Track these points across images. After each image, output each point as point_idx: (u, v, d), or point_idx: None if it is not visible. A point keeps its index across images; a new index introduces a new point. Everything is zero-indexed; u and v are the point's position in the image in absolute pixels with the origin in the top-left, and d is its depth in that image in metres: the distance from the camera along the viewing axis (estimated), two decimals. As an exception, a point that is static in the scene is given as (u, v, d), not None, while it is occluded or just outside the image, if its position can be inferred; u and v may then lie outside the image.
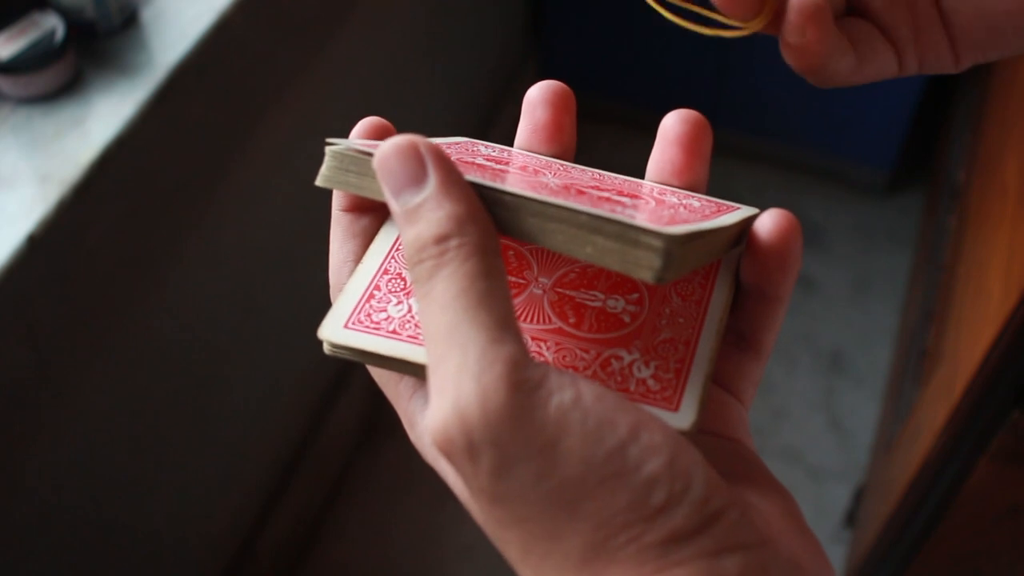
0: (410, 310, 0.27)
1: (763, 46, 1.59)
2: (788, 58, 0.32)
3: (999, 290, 0.87)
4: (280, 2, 0.98)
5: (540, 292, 0.28)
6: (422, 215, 0.24)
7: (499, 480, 0.22)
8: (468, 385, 0.22)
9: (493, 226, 0.24)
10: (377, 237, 0.29)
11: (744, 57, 1.64)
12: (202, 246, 0.96)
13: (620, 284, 0.29)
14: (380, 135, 0.30)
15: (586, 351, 0.27)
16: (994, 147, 1.16)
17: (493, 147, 0.33)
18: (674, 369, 0.26)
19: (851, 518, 1.35)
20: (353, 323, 0.27)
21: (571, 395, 0.22)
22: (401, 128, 0.28)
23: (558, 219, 0.24)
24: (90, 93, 0.80)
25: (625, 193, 0.30)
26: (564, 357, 0.27)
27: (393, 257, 0.29)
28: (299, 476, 1.28)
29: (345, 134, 0.30)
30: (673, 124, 0.31)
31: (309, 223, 1.15)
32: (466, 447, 0.22)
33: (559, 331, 0.27)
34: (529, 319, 0.28)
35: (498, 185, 0.25)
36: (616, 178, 0.33)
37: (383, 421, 1.46)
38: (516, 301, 0.28)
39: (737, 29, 0.32)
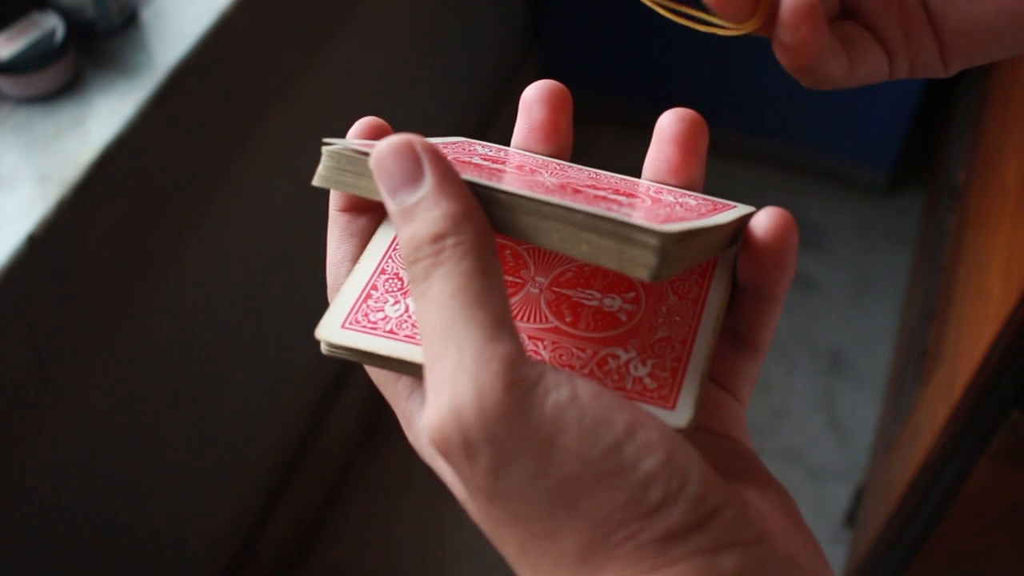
0: (407, 310, 0.27)
1: (763, 46, 1.59)
2: (781, 58, 0.32)
3: (999, 290, 0.87)
4: (280, 2, 0.98)
5: (537, 291, 0.28)
6: (418, 214, 0.24)
7: (496, 478, 0.22)
8: (465, 384, 0.22)
9: (489, 225, 0.24)
10: (374, 237, 0.30)
11: (744, 57, 1.64)
12: (202, 246, 0.96)
13: (617, 283, 0.29)
14: (377, 135, 0.30)
15: (583, 350, 0.27)
16: (994, 147, 1.16)
17: (490, 147, 0.34)
18: (671, 367, 0.26)
19: (851, 518, 1.35)
20: (350, 323, 0.27)
21: (567, 393, 0.22)
22: (401, 128, 0.28)
23: (554, 217, 0.24)
24: (90, 93, 0.80)
25: (621, 192, 0.30)
26: (561, 356, 0.27)
27: (390, 257, 0.29)
28: (299, 476, 1.28)
29: (344, 134, 0.31)
30: (669, 123, 0.31)
31: (309, 223, 1.15)
32: (463, 446, 0.22)
33: (556, 330, 0.27)
34: (526, 318, 0.28)
35: (494, 184, 0.25)
36: (612, 177, 0.33)
37: (383, 421, 1.46)
38: (513, 300, 0.28)
39: (731, 29, 0.32)
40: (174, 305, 0.94)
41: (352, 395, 1.38)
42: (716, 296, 0.28)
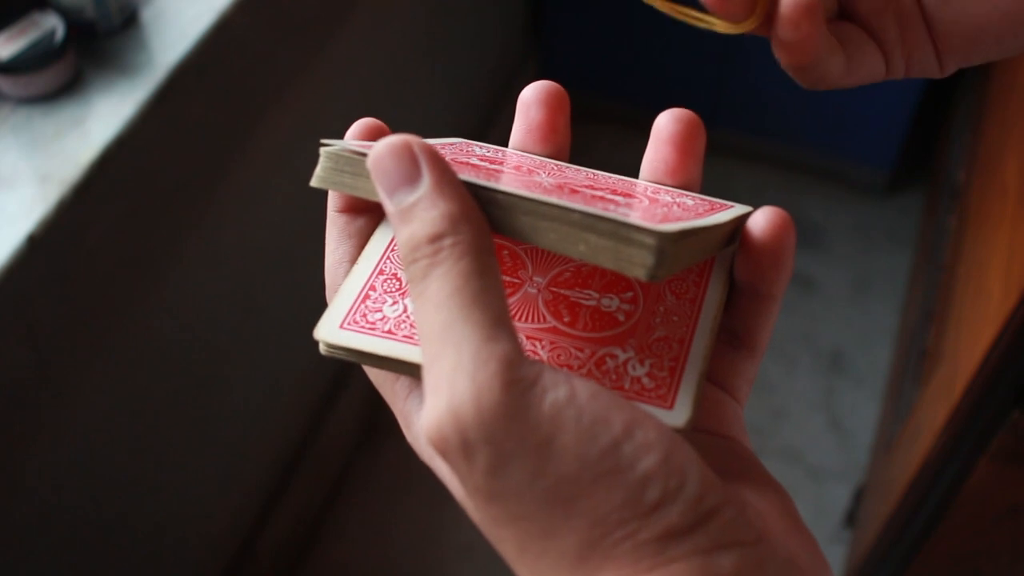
0: (405, 310, 0.27)
1: (762, 47, 1.59)
2: (780, 56, 0.32)
3: (999, 290, 0.87)
4: (280, 2, 0.98)
5: (535, 291, 0.28)
6: (416, 214, 0.24)
7: (494, 478, 0.22)
8: (463, 383, 0.22)
9: (487, 225, 0.24)
10: (372, 238, 0.30)
11: (744, 57, 1.64)
12: (202, 246, 0.96)
13: (614, 283, 0.29)
14: (375, 136, 0.30)
15: (581, 350, 0.27)
16: (994, 147, 1.16)
17: (488, 148, 0.34)
18: (668, 367, 0.26)
19: (851, 518, 1.35)
20: (349, 323, 0.27)
21: (565, 393, 0.22)
22: (401, 128, 0.28)
23: (551, 217, 0.24)
24: (90, 93, 0.80)
25: (619, 192, 0.30)
26: (559, 356, 0.27)
27: (388, 258, 0.29)
28: (299, 476, 1.28)
29: (344, 135, 0.31)
30: (666, 123, 0.31)
31: (309, 223, 1.15)
32: (461, 445, 0.22)
33: (554, 330, 0.27)
34: (524, 318, 0.28)
35: (492, 184, 0.25)
36: (610, 177, 0.33)
37: (383, 421, 1.46)
38: (511, 300, 0.28)
39: (729, 28, 0.32)
40: (174, 305, 0.94)
41: (352, 395, 1.38)
42: (714, 296, 0.28)
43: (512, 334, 0.23)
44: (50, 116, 0.78)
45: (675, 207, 0.29)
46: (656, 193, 0.30)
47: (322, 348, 0.27)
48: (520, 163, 0.31)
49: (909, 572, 1.00)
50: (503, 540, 0.24)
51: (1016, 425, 0.79)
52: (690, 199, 0.30)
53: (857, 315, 1.63)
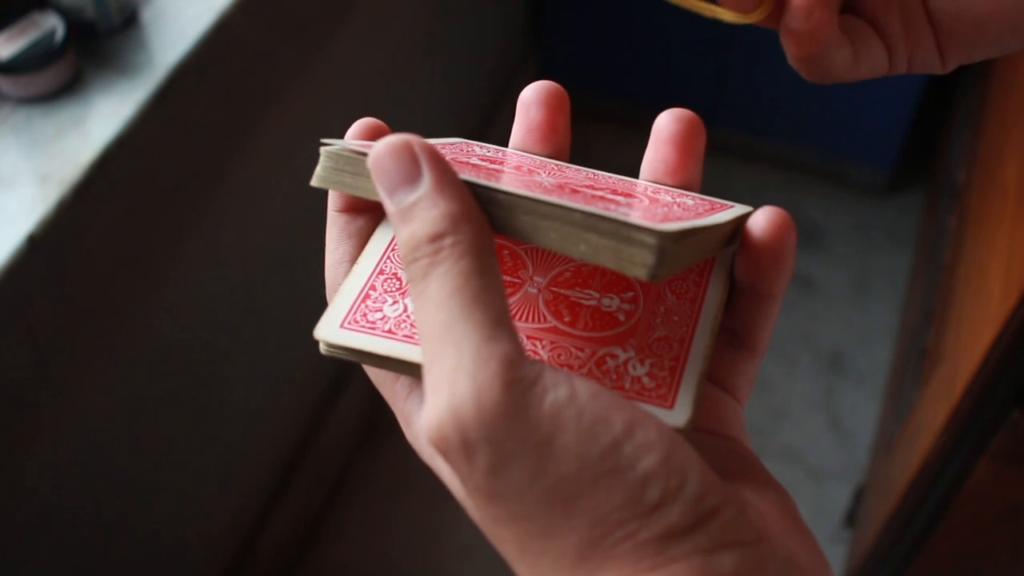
0: (406, 310, 0.27)
1: (763, 46, 1.59)
2: (789, 47, 0.32)
3: (999, 290, 0.87)
4: (280, 2, 0.98)
5: (535, 291, 0.28)
6: (416, 214, 0.24)
7: (495, 478, 0.22)
8: (463, 383, 0.22)
9: (487, 225, 0.24)
10: (373, 237, 0.30)
11: (744, 57, 1.64)
12: (202, 246, 0.96)
13: (615, 282, 0.29)
14: (375, 136, 0.30)
15: (581, 349, 0.27)
16: (994, 147, 1.16)
17: (488, 147, 0.34)
18: (669, 367, 0.26)
19: (851, 518, 1.35)
20: (349, 323, 0.27)
21: (566, 392, 0.22)
22: (400, 128, 0.28)
23: (552, 217, 0.24)
24: (90, 93, 0.80)
25: (619, 192, 0.30)
26: (559, 355, 0.27)
27: (389, 257, 0.29)
28: (299, 476, 1.28)
29: (344, 134, 0.31)
30: (666, 123, 0.31)
31: (309, 223, 1.15)
32: (461, 445, 0.22)
33: (554, 330, 0.27)
34: (524, 318, 0.28)
35: (492, 184, 0.25)
36: (610, 177, 0.33)
37: (383, 421, 1.46)
38: (511, 300, 0.28)
39: (737, 18, 0.32)
40: (174, 305, 0.94)
41: (352, 395, 1.38)
42: (714, 296, 0.28)
43: (513, 334, 0.23)
44: (50, 116, 0.78)
45: (675, 207, 0.29)
46: (656, 193, 0.30)
47: (322, 348, 0.27)
48: (520, 163, 0.31)
49: (909, 572, 1.00)
50: (504, 540, 0.24)
51: (1016, 425, 0.79)
52: (690, 199, 0.30)
53: (857, 315, 1.63)
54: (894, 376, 1.44)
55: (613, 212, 0.24)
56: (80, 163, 0.75)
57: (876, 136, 1.68)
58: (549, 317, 0.28)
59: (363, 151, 0.27)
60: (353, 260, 0.29)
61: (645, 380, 0.26)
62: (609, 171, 0.33)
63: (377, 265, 0.29)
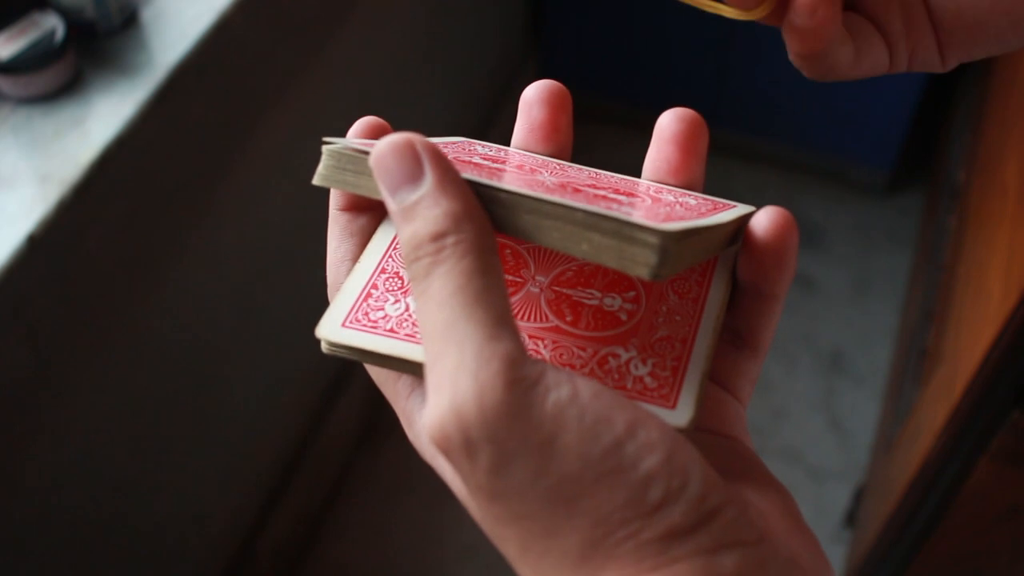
0: (407, 309, 0.27)
1: (763, 45, 1.59)
2: (792, 44, 0.32)
3: (999, 290, 0.87)
4: (280, 2, 0.98)
5: (537, 290, 0.28)
6: (418, 213, 0.24)
7: (497, 477, 0.22)
8: (465, 382, 0.22)
9: (490, 224, 0.24)
10: (374, 236, 0.30)
11: (744, 57, 1.64)
12: (202, 246, 0.96)
13: (617, 282, 0.29)
14: (377, 134, 0.30)
15: (583, 349, 0.27)
16: (994, 147, 1.16)
17: (490, 146, 0.34)
18: (671, 367, 0.26)
19: (851, 518, 1.35)
20: (351, 322, 0.27)
21: (568, 392, 0.22)
22: (401, 128, 0.28)
23: (554, 216, 0.24)
24: (90, 93, 0.80)
25: (621, 191, 0.30)
26: (561, 355, 0.27)
27: (390, 256, 0.29)
28: (299, 476, 1.28)
29: (344, 134, 0.31)
30: (669, 123, 0.31)
31: (309, 223, 1.15)
32: (463, 444, 0.22)
33: (556, 329, 0.27)
34: (526, 317, 0.28)
35: (494, 183, 0.25)
36: (612, 177, 0.33)
37: (383, 421, 1.46)
38: (513, 299, 0.28)
39: (739, 15, 0.32)
40: (174, 305, 0.94)
41: (352, 395, 1.38)
42: (716, 295, 0.28)
43: (515, 333, 0.23)
44: (50, 116, 0.78)
45: (678, 206, 0.29)
46: (659, 192, 0.30)
47: (324, 346, 0.27)
48: (522, 162, 0.31)
49: (909, 572, 1.00)
50: (505, 539, 0.24)
51: (1016, 425, 0.79)
52: (693, 199, 0.30)
53: (857, 315, 1.63)
54: (894, 376, 1.44)
55: (615, 211, 0.24)
56: (80, 163, 0.75)
57: (876, 136, 1.68)
58: (551, 316, 0.28)
59: (365, 150, 0.27)
60: (355, 259, 0.29)
61: (647, 380, 0.26)
62: (609, 171, 0.33)
63: (379, 264, 0.29)
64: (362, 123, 0.30)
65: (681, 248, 0.24)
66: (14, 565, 0.82)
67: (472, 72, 1.59)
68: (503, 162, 0.31)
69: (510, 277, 0.29)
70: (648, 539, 0.22)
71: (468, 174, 0.25)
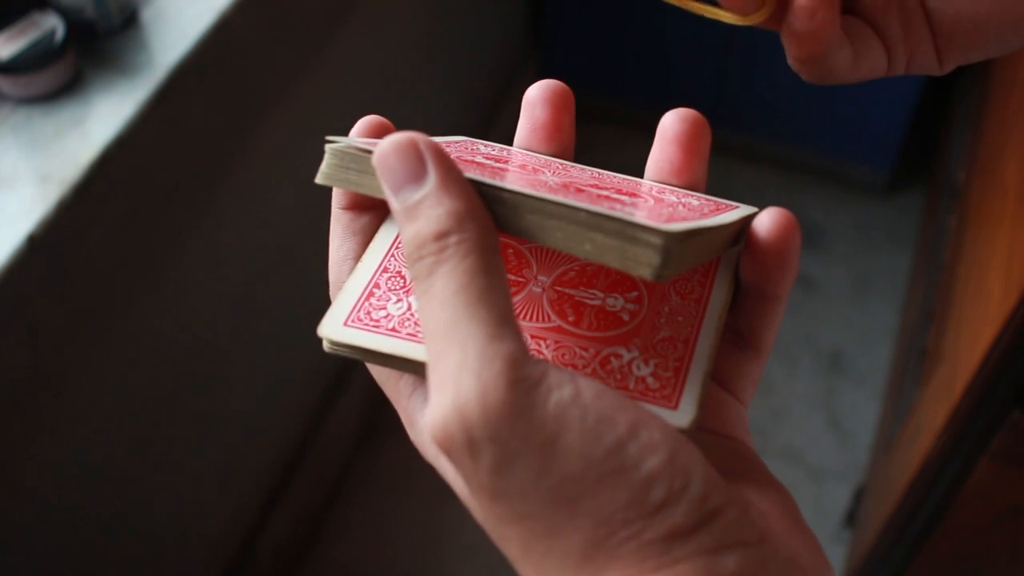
0: (409, 308, 0.27)
1: (763, 46, 1.59)
2: (791, 47, 0.32)
3: (999, 290, 0.87)
4: (280, 2, 0.98)
5: (539, 290, 0.28)
6: (422, 212, 0.24)
7: (499, 477, 0.22)
8: (468, 382, 0.22)
9: (492, 223, 0.24)
10: (377, 235, 0.30)
11: (744, 57, 1.64)
12: (202, 246, 0.96)
13: (619, 282, 0.29)
14: (379, 133, 0.30)
15: (585, 349, 0.27)
16: (994, 147, 1.16)
17: (492, 146, 0.34)
18: (673, 367, 0.26)
19: (851, 518, 1.35)
20: (353, 321, 0.27)
21: (570, 392, 0.22)
22: (401, 128, 0.28)
23: (557, 216, 0.24)
24: (90, 93, 0.80)
25: (624, 191, 0.30)
26: (563, 355, 0.27)
27: (393, 255, 0.29)
28: (299, 476, 1.28)
29: (345, 134, 0.31)
30: (672, 123, 0.31)
31: (309, 223, 1.15)
32: (466, 444, 0.22)
33: (558, 329, 0.27)
34: (528, 317, 0.28)
35: (497, 182, 0.25)
36: (615, 177, 0.33)
37: (383, 421, 1.46)
38: (515, 299, 0.28)
39: (738, 20, 0.32)
40: (174, 305, 0.94)
41: (352, 395, 1.38)
42: (719, 296, 0.28)
43: (517, 333, 0.23)
44: (50, 116, 0.78)
45: (680, 207, 0.29)
46: (661, 193, 0.30)
47: (326, 345, 0.27)
48: (525, 162, 0.31)
49: (909, 572, 1.00)
50: (507, 539, 0.24)
51: (1016, 425, 0.79)
52: (695, 199, 0.30)
53: (857, 315, 1.63)
54: (894, 376, 1.44)
55: (619, 212, 0.24)
56: (80, 163, 0.75)
57: (876, 136, 1.68)
58: (553, 316, 0.28)
59: (368, 149, 0.27)
60: (357, 258, 0.29)
61: (649, 380, 0.26)
62: (611, 171, 0.33)
63: (381, 263, 0.29)
64: (365, 122, 0.30)
65: (684, 249, 0.24)
66: (14, 565, 0.82)
67: (472, 72, 1.59)
68: (506, 162, 0.31)
69: (512, 277, 0.29)
70: (650, 539, 0.22)
71: (471, 173, 0.25)
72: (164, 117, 0.82)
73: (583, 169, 0.32)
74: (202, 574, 1.14)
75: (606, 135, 1.70)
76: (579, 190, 0.28)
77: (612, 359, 0.27)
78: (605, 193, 0.29)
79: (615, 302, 0.28)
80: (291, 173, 1.08)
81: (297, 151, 1.08)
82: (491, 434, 0.22)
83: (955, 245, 1.21)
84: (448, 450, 0.23)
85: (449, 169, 0.24)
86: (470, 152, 0.32)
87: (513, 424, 0.22)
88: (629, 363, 0.26)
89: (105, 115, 0.78)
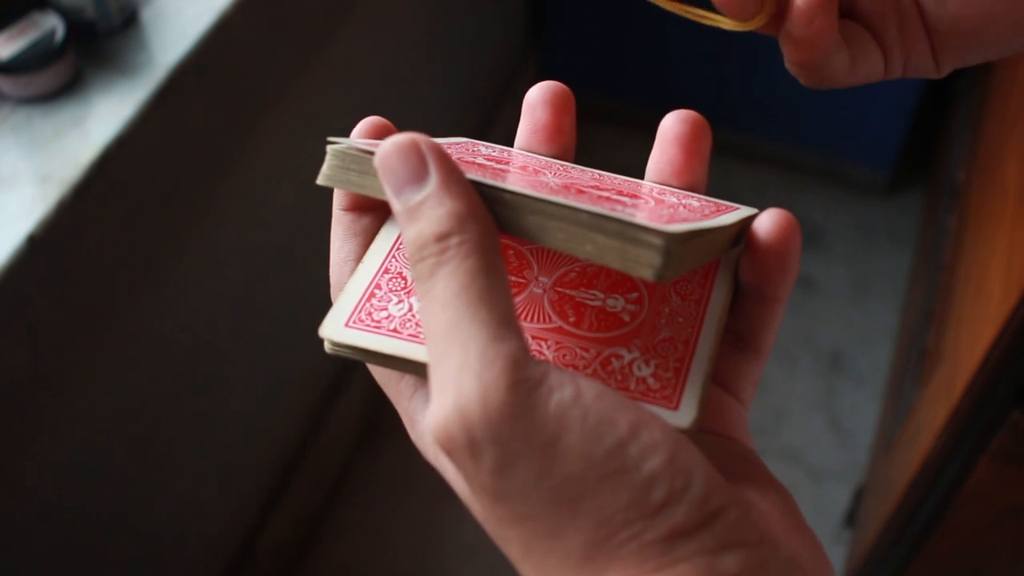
0: (411, 309, 0.27)
1: (763, 46, 1.59)
2: (790, 53, 0.32)
3: (999, 290, 0.87)
4: (280, 2, 0.98)
5: (540, 291, 0.28)
6: (423, 213, 0.24)
7: (500, 478, 0.22)
8: (469, 382, 0.22)
9: (494, 224, 0.25)
10: (378, 236, 0.30)
11: (744, 57, 1.64)
12: (202, 246, 0.96)
13: (620, 283, 0.29)
14: (381, 134, 0.30)
15: (586, 350, 0.27)
16: (994, 147, 1.16)
17: (493, 147, 0.34)
18: (674, 368, 0.26)
19: (851, 518, 1.35)
20: (354, 322, 0.27)
21: (571, 393, 0.22)
22: (401, 128, 0.28)
23: (559, 217, 0.24)
24: (90, 93, 0.80)
25: (625, 193, 0.30)
26: (564, 356, 0.27)
27: (394, 256, 0.29)
28: (299, 476, 1.28)
29: (345, 134, 0.31)
30: (672, 124, 0.31)
31: (309, 223, 1.15)
32: (467, 444, 0.22)
33: (559, 330, 0.27)
34: (529, 318, 0.28)
35: (499, 183, 0.25)
36: (616, 178, 0.33)
37: (383, 421, 1.46)
38: (516, 300, 0.28)
39: (736, 25, 0.32)
40: (174, 305, 0.94)
41: (352, 395, 1.38)
42: (719, 297, 0.28)
43: (518, 333, 0.23)
44: (50, 116, 0.78)
45: (681, 208, 0.29)
46: (662, 194, 0.30)
47: (327, 346, 0.27)
48: (526, 163, 0.31)
49: (909, 572, 1.00)
50: (508, 540, 0.24)
51: (1016, 425, 0.80)
52: (696, 200, 0.30)
53: (857, 315, 1.63)
54: (894, 376, 1.44)
55: (620, 213, 0.24)
56: (80, 163, 0.75)
57: (876, 136, 1.68)
58: (554, 317, 0.28)
59: (370, 150, 0.27)
60: (358, 259, 0.29)
61: (650, 381, 0.26)
62: (609, 171, 0.33)
63: (382, 264, 0.29)
64: (366, 123, 0.30)
65: (685, 250, 0.24)
66: (14, 565, 0.82)
67: (472, 72, 1.59)
68: (507, 163, 0.31)
69: (513, 278, 0.29)
70: (651, 540, 0.22)
71: (472, 175, 0.25)
72: (164, 117, 0.82)
73: (584, 170, 0.32)
74: (202, 574, 1.14)
75: (606, 135, 1.70)
76: (580, 191, 0.28)
77: (613, 360, 0.27)
78: (606, 194, 0.29)
79: (616, 303, 0.28)
80: (291, 173, 1.08)
81: (297, 151, 1.08)
82: (492, 435, 0.22)
83: (955, 245, 1.21)
84: (449, 451, 0.23)
85: (451, 170, 0.24)
86: (471, 153, 0.32)
87: (514, 425, 0.22)
88: (630, 364, 0.27)
89: (105, 115, 0.78)
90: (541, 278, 0.29)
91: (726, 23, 0.32)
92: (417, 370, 0.27)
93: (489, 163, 0.30)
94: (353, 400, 1.39)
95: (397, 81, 1.32)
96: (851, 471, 1.44)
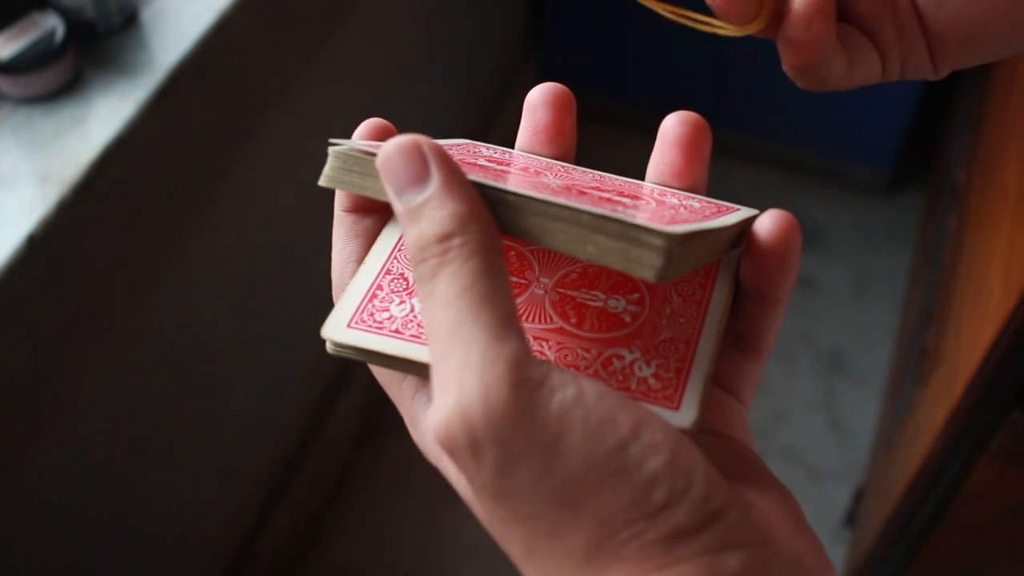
0: (412, 310, 0.28)
1: (763, 46, 1.59)
2: (787, 56, 0.32)
3: (999, 290, 0.87)
4: (280, 2, 0.98)
5: (541, 292, 0.28)
6: (425, 214, 0.24)
7: (502, 478, 0.22)
8: (471, 383, 0.22)
9: (495, 225, 0.25)
10: (379, 238, 0.30)
11: (744, 58, 1.64)
12: (202, 246, 0.96)
13: (621, 284, 0.29)
14: (382, 136, 0.30)
15: (587, 350, 0.27)
16: (994, 147, 1.16)
17: (495, 149, 0.34)
18: (675, 368, 0.26)
19: (851, 518, 1.35)
20: (356, 322, 0.27)
21: (573, 393, 0.22)
22: (402, 129, 0.28)
23: (560, 218, 0.24)
24: (90, 93, 0.80)
25: (626, 194, 0.30)
26: (566, 356, 0.27)
27: (395, 257, 0.29)
28: (299, 476, 1.28)
29: (345, 134, 0.31)
30: (673, 126, 0.31)
31: (309, 223, 1.15)
32: (469, 445, 0.22)
33: (560, 331, 0.27)
34: (531, 319, 0.28)
35: (500, 185, 0.25)
36: (616, 179, 0.33)
37: (383, 421, 1.46)
38: (518, 301, 0.28)
39: (734, 30, 0.32)
40: (174, 305, 0.94)
41: (352, 395, 1.38)
42: (720, 298, 0.28)
43: (520, 334, 0.23)
44: (50, 116, 0.78)
45: (682, 209, 0.29)
46: (663, 195, 0.30)
47: (329, 347, 0.27)
48: (527, 164, 0.31)
49: (909, 572, 1.00)
50: (510, 540, 0.24)
51: (1016, 425, 0.80)
52: (696, 201, 0.30)
53: (857, 315, 1.63)
54: (894, 376, 1.44)
55: (621, 214, 0.24)
56: (80, 163, 0.75)
57: (876, 136, 1.68)
58: (555, 318, 0.28)
59: (372, 151, 0.27)
60: (360, 260, 0.29)
61: (651, 381, 0.26)
62: (609, 172, 0.34)
63: (384, 265, 0.29)
64: (368, 124, 0.30)
65: (686, 250, 0.24)
66: (14, 565, 0.82)
67: (472, 72, 1.59)
68: (508, 164, 0.31)
69: (515, 279, 0.29)
70: (652, 539, 0.22)
71: (474, 176, 0.25)
72: (164, 117, 0.82)
73: (585, 172, 0.32)
74: (202, 574, 1.14)
75: (606, 135, 1.70)
76: (581, 192, 0.28)
77: (614, 360, 0.27)
78: (607, 195, 0.29)
79: (617, 304, 0.28)
80: (291, 173, 1.08)
81: (297, 151, 1.08)
82: (494, 435, 0.22)
83: (955, 245, 1.21)
84: (451, 451, 0.23)
85: (452, 171, 0.24)
86: (472, 155, 0.32)
87: (516, 425, 0.22)
88: (631, 364, 0.27)
89: (105, 115, 0.78)
90: (542, 279, 0.29)
91: (724, 28, 0.32)
92: (419, 371, 0.27)
93: (490, 164, 0.30)
94: (353, 400, 1.39)
95: (397, 81, 1.32)
96: (851, 471, 1.44)
